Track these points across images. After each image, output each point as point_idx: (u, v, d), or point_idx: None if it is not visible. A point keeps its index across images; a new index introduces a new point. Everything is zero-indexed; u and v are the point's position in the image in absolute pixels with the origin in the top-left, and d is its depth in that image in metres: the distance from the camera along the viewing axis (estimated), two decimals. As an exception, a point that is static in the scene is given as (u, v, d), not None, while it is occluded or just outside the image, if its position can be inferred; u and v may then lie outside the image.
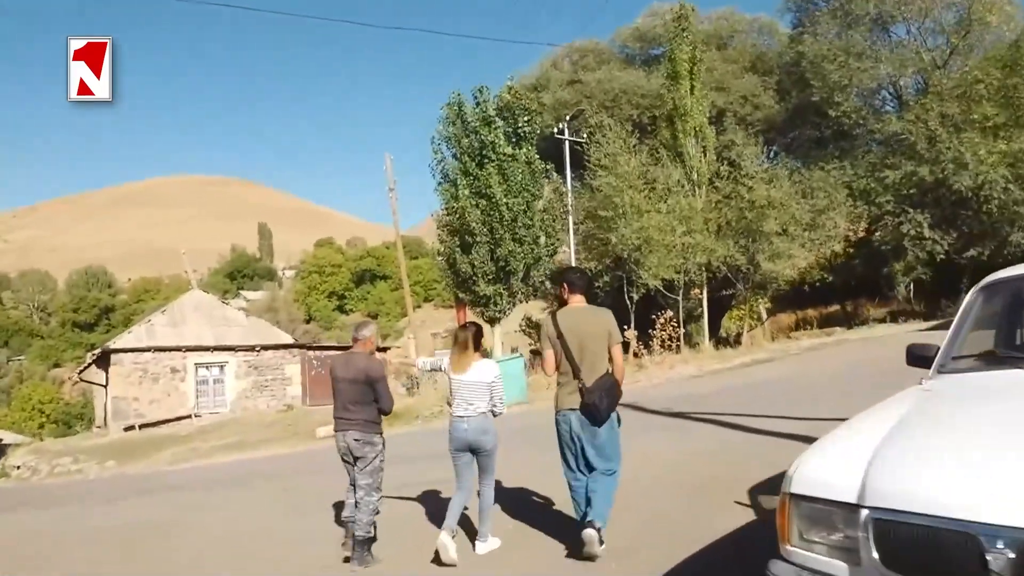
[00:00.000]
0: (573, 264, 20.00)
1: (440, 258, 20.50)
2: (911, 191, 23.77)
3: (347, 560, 5.35)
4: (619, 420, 4.83)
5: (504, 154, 18.66)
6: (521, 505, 6.41)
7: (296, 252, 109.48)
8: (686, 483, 6.43)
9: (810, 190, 23.60)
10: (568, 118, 22.02)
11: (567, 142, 20.80)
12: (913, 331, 20.14)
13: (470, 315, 23.24)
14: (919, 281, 27.51)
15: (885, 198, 24.07)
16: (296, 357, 29.09)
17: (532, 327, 32.48)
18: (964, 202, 23.00)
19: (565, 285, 4.92)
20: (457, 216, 18.85)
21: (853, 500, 2.49)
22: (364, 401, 5.34)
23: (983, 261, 24.43)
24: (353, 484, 5.45)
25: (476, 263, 18.65)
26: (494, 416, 5.24)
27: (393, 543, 5.67)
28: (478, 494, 5.34)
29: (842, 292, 29.08)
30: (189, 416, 26.53)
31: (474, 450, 5.18)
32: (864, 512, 2.44)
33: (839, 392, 11.01)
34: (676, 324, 19.99)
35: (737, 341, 23.83)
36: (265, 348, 28.77)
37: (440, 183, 19.56)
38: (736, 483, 6.13)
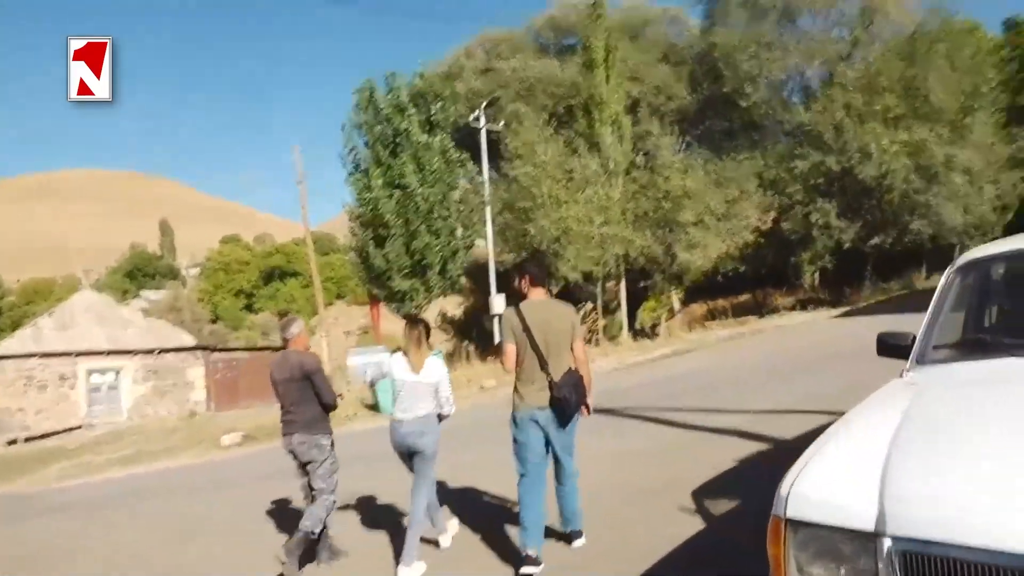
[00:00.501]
0: (491, 258, 19.52)
1: (352, 252, 19.58)
2: (819, 181, 24.27)
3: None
4: (578, 417, 4.67)
5: (418, 142, 17.91)
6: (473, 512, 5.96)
7: (201, 249, 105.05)
8: (627, 487, 5.97)
9: (723, 180, 23.80)
10: (484, 105, 21.39)
11: (483, 131, 20.19)
12: (824, 319, 20.56)
13: (384, 312, 22.46)
14: (823, 270, 28.32)
15: (794, 188, 24.50)
16: (199, 360, 27.46)
17: (448, 323, 31.83)
18: (868, 192, 23.66)
19: (528, 277, 4.70)
20: (370, 208, 17.99)
21: (870, 527, 2.00)
22: (304, 400, 5.17)
23: (886, 249, 25.33)
24: (306, 491, 5.28)
25: (391, 257, 17.86)
26: (441, 419, 5.00)
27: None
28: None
29: (752, 281, 29.56)
30: (80, 427, 24.60)
31: (412, 453, 4.91)
32: (886, 542, 1.96)
33: (765, 383, 10.89)
34: (596, 317, 19.76)
35: (655, 332, 23.84)
36: (165, 351, 27.01)
37: (352, 173, 18.66)
38: (677, 486, 5.75)
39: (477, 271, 27.20)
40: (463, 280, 28.64)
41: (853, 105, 23.65)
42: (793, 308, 26.46)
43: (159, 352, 26.89)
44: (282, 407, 5.30)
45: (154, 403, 26.18)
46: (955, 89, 23.63)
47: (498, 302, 19.59)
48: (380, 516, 6.38)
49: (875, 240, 24.46)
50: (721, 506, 5.08)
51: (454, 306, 32.14)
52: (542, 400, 4.46)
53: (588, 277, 21.15)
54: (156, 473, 13.76)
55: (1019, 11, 31.21)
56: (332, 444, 5.29)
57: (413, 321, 5.15)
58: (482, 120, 20.09)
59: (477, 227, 19.61)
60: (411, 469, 5.01)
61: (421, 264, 18.07)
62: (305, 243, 31.25)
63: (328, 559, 5.25)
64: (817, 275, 30.03)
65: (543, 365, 4.46)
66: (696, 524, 4.83)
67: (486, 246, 20.33)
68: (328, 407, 5.30)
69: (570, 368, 4.51)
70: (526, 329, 4.48)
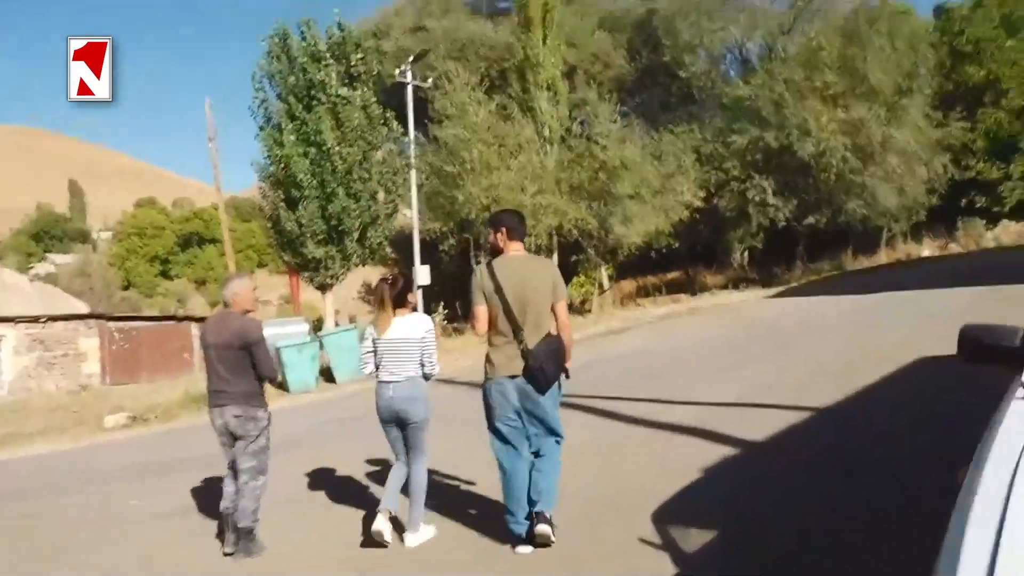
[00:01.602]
0: (415, 225, 18.14)
1: (262, 215, 17.89)
2: (756, 157, 23.78)
3: (228, 555, 4.68)
4: (560, 385, 4.22)
5: (336, 96, 16.28)
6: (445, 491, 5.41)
7: (114, 213, 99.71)
8: (570, 498, 4.82)
9: (660, 153, 23.04)
10: (411, 59, 19.82)
11: (410, 88, 18.63)
12: (759, 298, 20.04)
13: (301, 281, 20.85)
14: (752, 249, 28.05)
15: (731, 163, 23.95)
16: (93, 329, 25.08)
17: (372, 294, 30.28)
18: (805, 169, 23.27)
19: (503, 230, 4.20)
20: (282, 166, 16.33)
21: None
22: (241, 370, 4.72)
23: (819, 229, 25.09)
24: (232, 469, 4.81)
25: (304, 221, 16.26)
26: (426, 380, 4.61)
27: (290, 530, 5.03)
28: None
29: (682, 259, 29.13)
30: (-48, 402, 22.15)
31: (401, 422, 4.53)
32: None
33: (713, 368, 9.98)
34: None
35: (586, 309, 22.98)
36: (53, 319, 24.45)
37: (263, 127, 16.91)
38: (633, 502, 4.68)
39: (404, 241, 25.80)
40: (388, 250, 27.21)
41: (792, 80, 23.15)
42: (725, 287, 26.12)
43: (46, 320, 24.40)
44: (215, 375, 4.77)
45: (40, 376, 23.71)
46: (893, 69, 23.40)
47: (422, 273, 18.32)
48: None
49: (810, 219, 24.16)
50: (690, 537, 4.02)
51: (378, 277, 30.66)
52: (515, 369, 4.04)
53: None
54: (18, 461, 12.01)
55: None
56: (268, 420, 4.85)
57: (383, 279, 4.74)
58: (408, 76, 18.54)
59: (401, 192, 18.12)
60: (395, 443, 4.62)
61: (338, 230, 16.53)
62: (221, 207, 29.10)
63: (245, 552, 4.65)
64: (747, 254, 29.84)
65: (517, 330, 4.03)
66: (662, 560, 3.74)
67: (411, 214, 18.93)
68: (267, 379, 4.88)
69: (549, 333, 4.08)
70: (498, 289, 4.04)
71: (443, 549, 4.43)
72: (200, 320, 37.16)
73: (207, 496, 6.27)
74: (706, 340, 12.87)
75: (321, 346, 14.43)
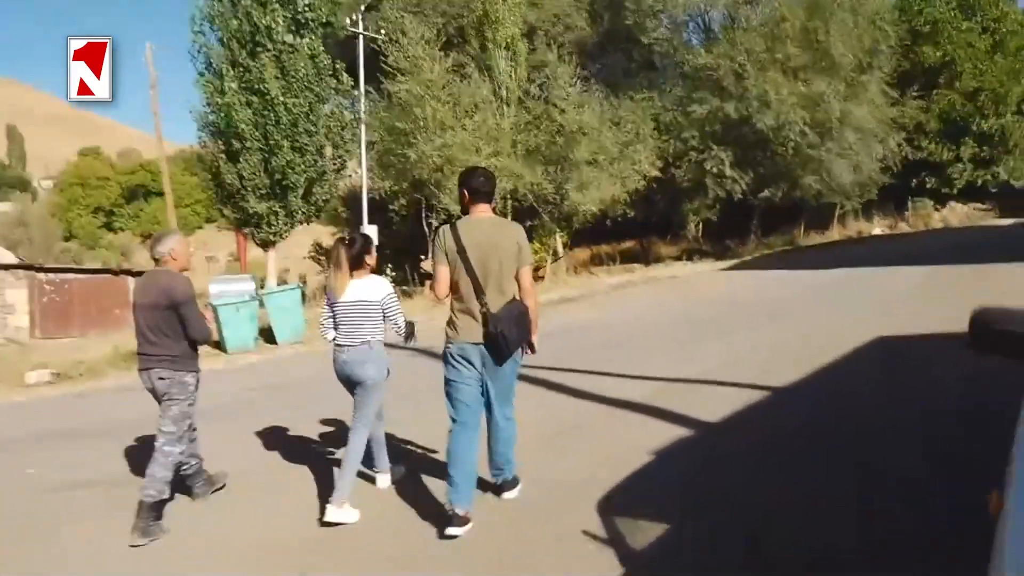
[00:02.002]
0: (364, 183, 17.43)
1: (200, 166, 17.03)
2: (715, 128, 23.52)
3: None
4: (521, 355, 4.05)
5: (282, 43, 15.40)
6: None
7: (56, 161, 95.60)
8: (524, 485, 4.43)
9: (618, 120, 22.62)
10: (364, 8, 18.88)
11: (361, 38, 17.70)
12: (714, 271, 19.94)
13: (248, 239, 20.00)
14: (707, 221, 27.99)
15: (690, 133, 23.67)
16: (22, 280, 23.84)
17: (323, 254, 29.46)
18: (763, 143, 23.11)
19: (466, 192, 4.03)
20: (223, 116, 15.46)
21: None
22: (170, 331, 4.47)
23: (774, 203, 25.06)
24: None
25: (245, 174, 15.46)
26: (406, 340, 4.59)
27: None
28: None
29: (636, 229, 28.92)
30: None
31: (354, 384, 4.39)
32: None
33: (667, 339, 9.70)
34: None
35: (540, 276, 22.61)
36: (-24, 268, 23.27)
37: (202, 74, 15.95)
38: (576, 490, 4.32)
39: (355, 200, 25.04)
40: (340, 210, 26.36)
41: (754, 51, 22.86)
42: (679, 258, 26.04)
43: (-32, 270, 23.14)
44: (141, 337, 4.53)
45: (-38, 329, 22.58)
46: (854, 45, 23.28)
47: (370, 233, 17.66)
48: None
49: (765, 193, 24.08)
50: (642, 530, 3.65)
51: (328, 236, 29.84)
52: (476, 335, 3.87)
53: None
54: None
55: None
56: (197, 384, 4.63)
57: (340, 240, 4.55)
58: (360, 25, 17.61)
59: (350, 148, 17.36)
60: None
61: (282, 185, 15.78)
62: (163, 157, 27.84)
63: (142, 533, 4.19)
64: (701, 226, 29.79)
65: (479, 293, 3.86)
66: (608, 559, 3.35)
67: (361, 171, 18.18)
68: (198, 341, 4.59)
69: (513, 298, 3.93)
70: (461, 250, 3.87)
71: (375, 533, 4.05)
72: (139, 275, 35.85)
73: (118, 468, 5.75)
74: (662, 313, 12.62)
75: (261, 305, 13.82)
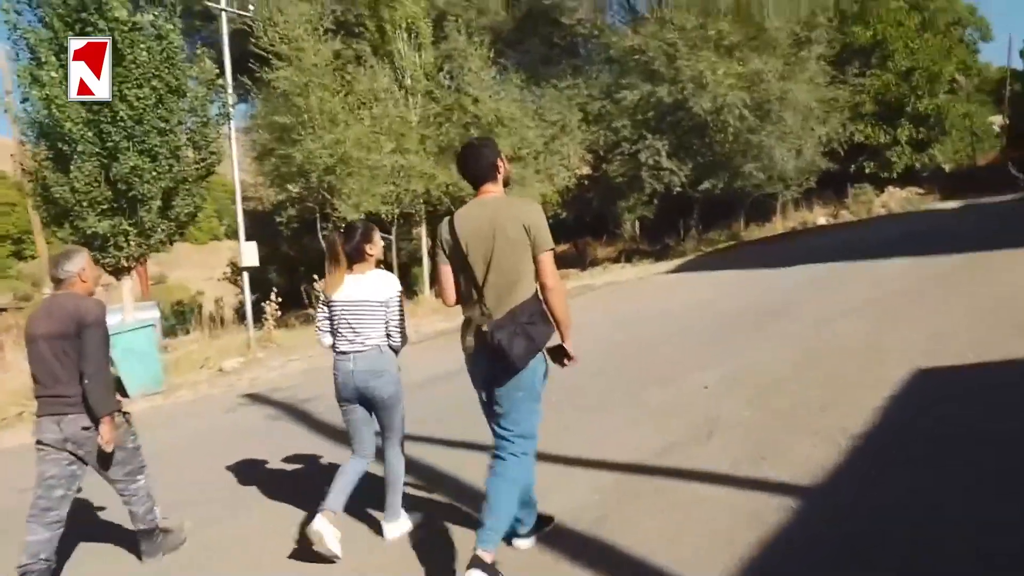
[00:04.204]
0: (238, 190, 14.32)
1: (25, 177, 13.67)
2: (648, 115, 21.37)
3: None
4: (546, 373, 3.23)
5: (119, 21, 12.27)
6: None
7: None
8: None
9: (541, 111, 20.23)
10: (229, -20, 15.72)
11: (224, 15, 14.53)
12: (655, 274, 17.58)
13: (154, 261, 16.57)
14: (643, 218, 25.98)
15: (621, 122, 21.45)
16: None
17: (238, 274, 26.14)
18: (700, 128, 21.06)
19: (466, 179, 3.35)
20: (47, 112, 12.23)
21: None
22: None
23: (716, 195, 23.05)
24: (42, 507, 3.71)
25: (79, 186, 12.27)
26: (395, 353, 3.84)
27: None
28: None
29: (571, 230, 26.74)
30: None
31: (367, 400, 3.76)
32: None
33: (615, 374, 7.16)
34: (391, 270, 15.35)
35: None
36: None
37: (22, 61, 12.67)
38: None
39: (258, 213, 22.00)
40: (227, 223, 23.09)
41: (685, 29, 20.78)
42: (617, 260, 23.94)
43: None
44: (40, 376, 3.72)
45: None
46: (792, 18, 21.50)
47: (248, 252, 14.63)
48: None
49: (705, 184, 22.02)
50: None
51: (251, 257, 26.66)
52: (479, 346, 3.14)
53: (380, 221, 16.68)
54: None
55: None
56: (128, 419, 3.95)
57: (334, 231, 3.99)
58: (223, 1, 14.47)
59: (216, 148, 14.21)
60: (357, 428, 3.83)
61: (128, 197, 12.64)
62: (18, 165, 23.93)
63: (154, 552, 4.00)
64: (637, 224, 27.83)
65: (479, 294, 3.14)
66: None
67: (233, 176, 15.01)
68: (89, 376, 3.64)
69: (528, 298, 3.08)
70: (456, 244, 3.19)
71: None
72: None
73: None
74: (602, 324, 10.04)
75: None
